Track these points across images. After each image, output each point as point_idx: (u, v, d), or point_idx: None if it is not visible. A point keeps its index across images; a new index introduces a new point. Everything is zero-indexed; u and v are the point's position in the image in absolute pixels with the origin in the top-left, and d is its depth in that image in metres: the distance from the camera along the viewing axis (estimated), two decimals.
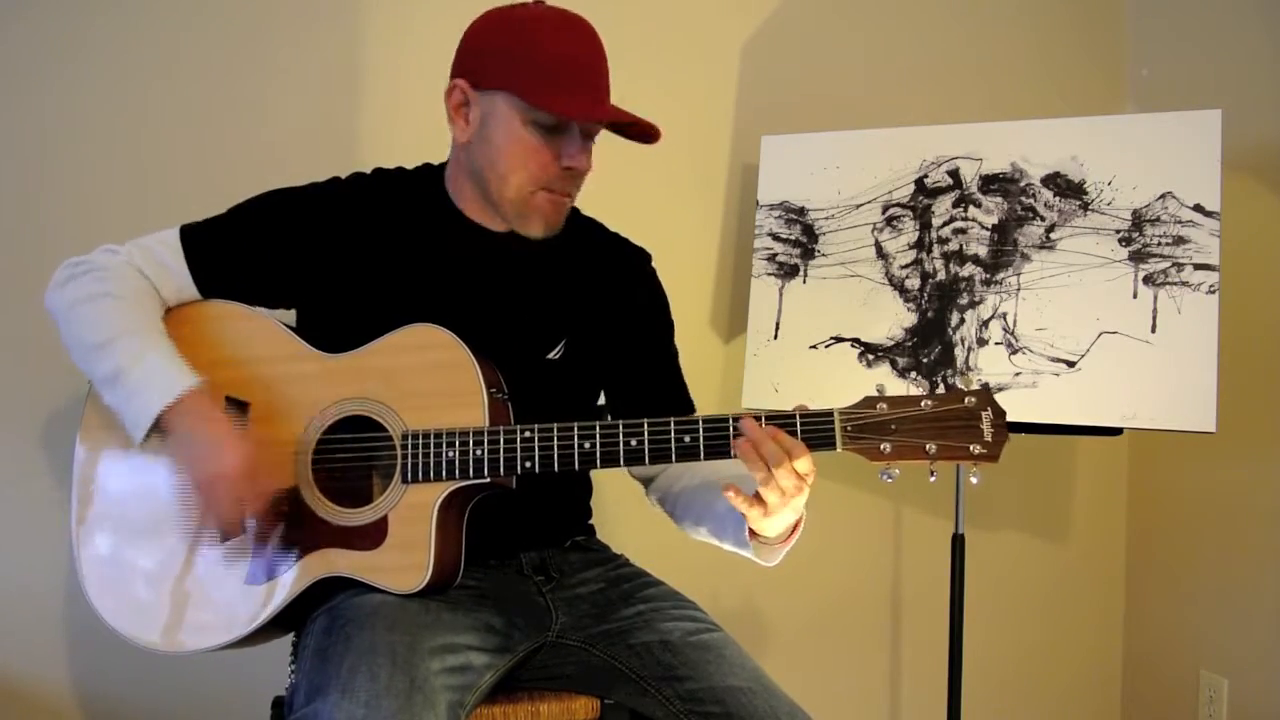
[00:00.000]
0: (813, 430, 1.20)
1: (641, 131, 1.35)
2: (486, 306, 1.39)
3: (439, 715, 1.12)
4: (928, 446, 1.19)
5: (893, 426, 1.20)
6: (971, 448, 1.19)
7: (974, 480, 1.22)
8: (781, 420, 1.21)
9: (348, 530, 1.29)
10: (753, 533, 1.28)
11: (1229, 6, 2.07)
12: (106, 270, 1.35)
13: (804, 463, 1.19)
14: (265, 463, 1.28)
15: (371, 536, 1.28)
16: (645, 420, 1.24)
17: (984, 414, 1.19)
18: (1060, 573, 2.34)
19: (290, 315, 1.44)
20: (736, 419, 1.21)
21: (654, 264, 1.54)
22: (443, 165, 1.45)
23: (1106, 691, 2.37)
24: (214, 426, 1.26)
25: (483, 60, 1.32)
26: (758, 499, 1.21)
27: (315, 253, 1.38)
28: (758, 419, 1.20)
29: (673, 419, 1.23)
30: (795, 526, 1.29)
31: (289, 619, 1.33)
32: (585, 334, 1.44)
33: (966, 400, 1.20)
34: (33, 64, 1.79)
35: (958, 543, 1.90)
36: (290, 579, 1.30)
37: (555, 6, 1.34)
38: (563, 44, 1.30)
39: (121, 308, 1.32)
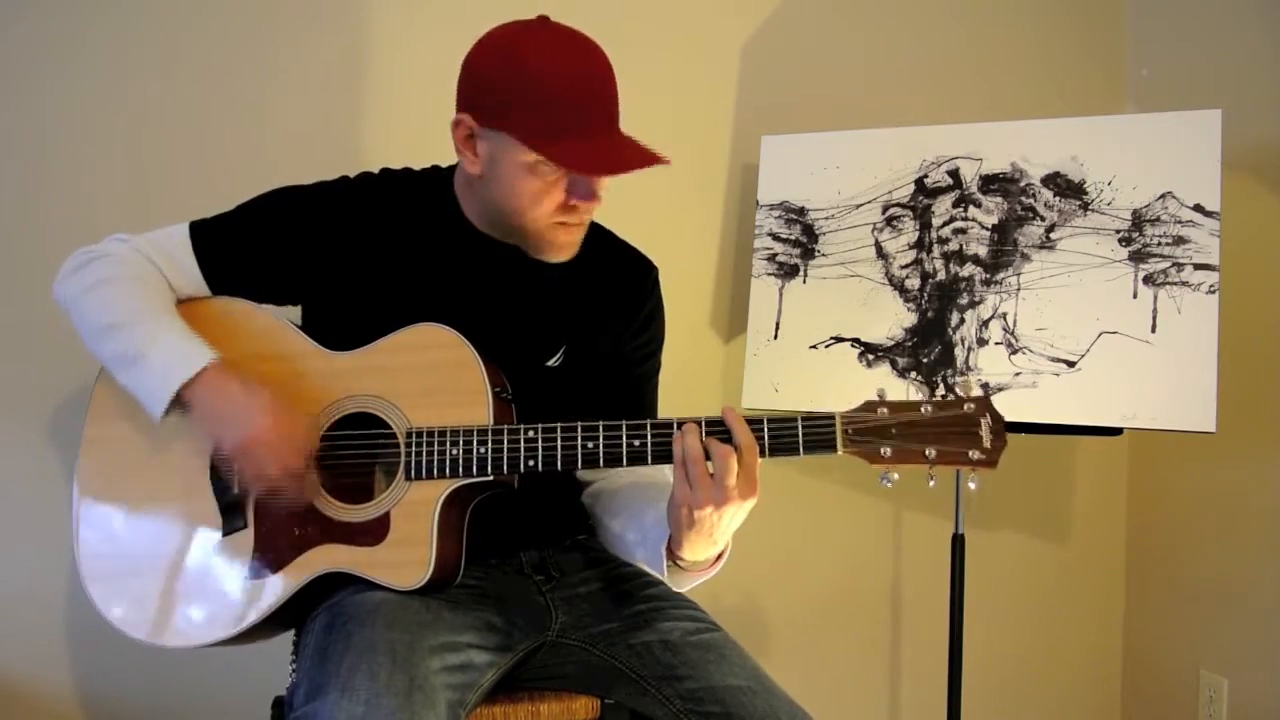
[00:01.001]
0: (814, 432, 1.20)
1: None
2: (489, 311, 1.39)
3: (439, 714, 1.12)
4: (927, 451, 1.19)
5: (893, 431, 1.20)
6: (970, 453, 1.19)
7: (972, 485, 1.23)
8: (783, 423, 1.21)
9: (350, 526, 1.29)
10: (671, 553, 1.27)
11: (1229, 6, 2.07)
12: (115, 256, 1.37)
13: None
14: (296, 406, 1.29)
15: (374, 532, 1.28)
16: (648, 420, 1.24)
17: (983, 420, 1.20)
18: (1060, 573, 2.34)
19: (296, 313, 1.45)
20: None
21: (657, 270, 1.52)
22: (451, 168, 1.44)
23: (1106, 691, 2.38)
24: (237, 391, 1.27)
25: (485, 94, 1.28)
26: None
27: (322, 251, 1.38)
28: (759, 423, 1.20)
29: (675, 419, 1.23)
30: (717, 559, 1.29)
31: (290, 616, 1.33)
32: (585, 342, 1.44)
33: (966, 406, 1.20)
34: (33, 64, 1.78)
35: (958, 543, 1.90)
36: (292, 573, 1.30)
37: (560, 26, 1.29)
38: (566, 76, 1.24)
39: (135, 290, 1.33)
